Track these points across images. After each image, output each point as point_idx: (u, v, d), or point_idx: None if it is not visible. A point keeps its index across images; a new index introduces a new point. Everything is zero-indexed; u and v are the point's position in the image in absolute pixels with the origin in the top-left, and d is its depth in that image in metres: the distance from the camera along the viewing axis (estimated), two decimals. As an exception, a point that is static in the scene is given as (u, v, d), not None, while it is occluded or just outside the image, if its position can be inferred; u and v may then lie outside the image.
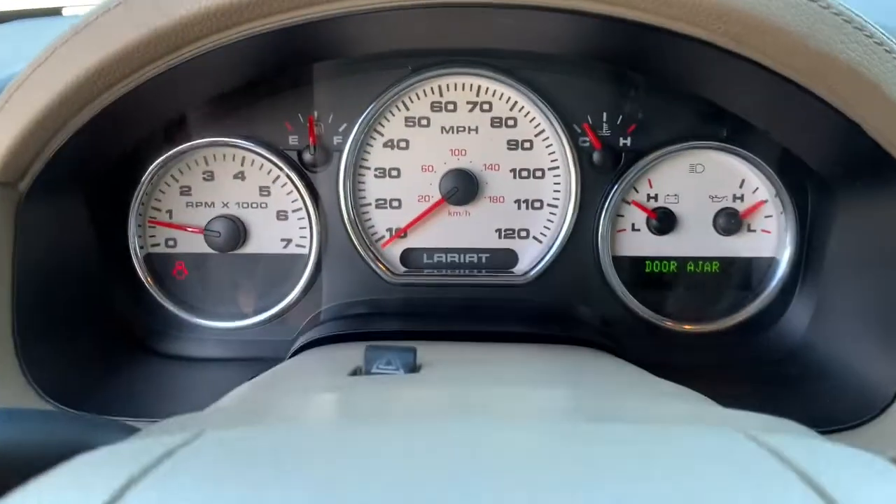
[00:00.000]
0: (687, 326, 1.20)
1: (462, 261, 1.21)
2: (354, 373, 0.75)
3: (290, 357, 1.04)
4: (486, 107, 1.17)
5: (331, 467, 0.40)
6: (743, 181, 1.18)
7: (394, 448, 0.42)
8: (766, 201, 1.18)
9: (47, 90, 0.83)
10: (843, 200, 1.07)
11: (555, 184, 1.19)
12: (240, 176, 1.18)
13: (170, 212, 1.19)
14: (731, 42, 0.81)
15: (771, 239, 1.19)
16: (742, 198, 1.18)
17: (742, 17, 0.78)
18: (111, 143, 1.04)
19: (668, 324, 1.20)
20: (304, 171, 1.17)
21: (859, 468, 0.41)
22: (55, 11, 1.68)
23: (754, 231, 1.19)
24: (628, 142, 1.17)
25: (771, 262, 1.20)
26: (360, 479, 0.38)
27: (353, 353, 0.84)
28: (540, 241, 1.20)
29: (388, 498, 0.35)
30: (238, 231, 1.18)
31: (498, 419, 0.49)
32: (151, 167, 1.14)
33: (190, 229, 1.19)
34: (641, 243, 1.20)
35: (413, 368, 0.75)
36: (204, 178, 1.18)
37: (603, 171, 1.17)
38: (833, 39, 0.79)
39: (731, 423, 0.47)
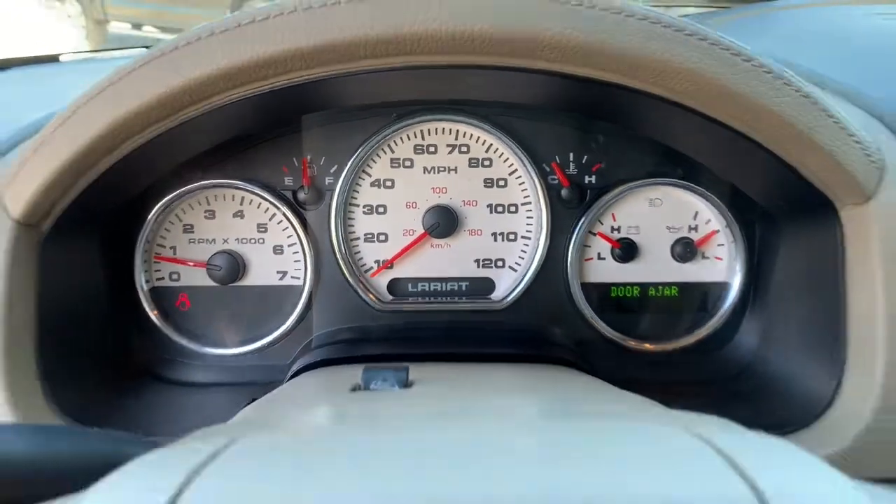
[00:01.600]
0: (649, 346, 1.30)
1: (444, 289, 1.31)
2: (354, 389, 0.84)
3: (289, 379, 1.12)
4: (464, 149, 1.28)
5: (352, 463, 0.49)
6: (697, 213, 1.29)
7: (403, 447, 0.52)
8: (717, 231, 1.29)
9: (75, 140, 0.92)
10: (786, 231, 1.19)
11: (527, 218, 1.29)
12: (239, 214, 1.28)
13: (174, 248, 1.27)
14: (680, 97, 0.93)
15: (723, 265, 1.30)
16: (696, 228, 1.30)
17: (687, 77, 0.89)
18: (123, 187, 1.13)
19: (633, 343, 1.30)
20: (298, 209, 1.27)
21: (777, 453, 0.51)
22: (53, 59, 1.77)
23: (708, 258, 1.30)
24: (593, 179, 1.28)
25: (724, 287, 1.30)
26: (380, 471, 0.47)
27: (350, 374, 0.92)
28: (515, 270, 1.31)
29: (408, 481, 0.45)
30: (237, 265, 1.27)
31: (478, 420, 0.59)
32: (157, 207, 1.23)
33: (192, 264, 1.27)
34: (607, 270, 1.31)
35: (406, 384, 0.84)
36: (205, 217, 1.27)
37: (571, 206, 1.28)
38: (766, 94, 0.90)
39: (672, 420, 0.58)
